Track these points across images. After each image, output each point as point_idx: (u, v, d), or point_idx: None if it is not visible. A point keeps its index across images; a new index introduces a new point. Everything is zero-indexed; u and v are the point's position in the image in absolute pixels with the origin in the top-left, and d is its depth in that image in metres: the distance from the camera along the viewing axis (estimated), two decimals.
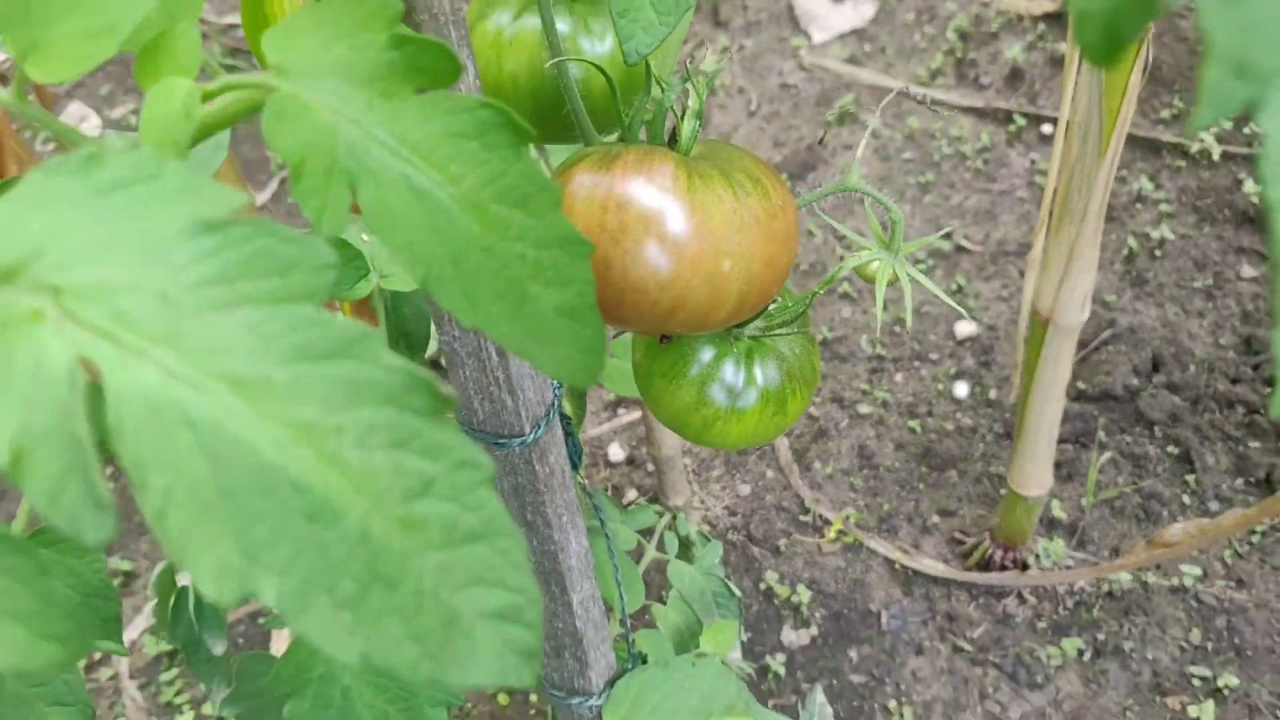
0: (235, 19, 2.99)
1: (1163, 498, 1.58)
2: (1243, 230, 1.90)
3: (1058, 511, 1.58)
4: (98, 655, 1.67)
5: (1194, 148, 2.02)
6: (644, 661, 0.80)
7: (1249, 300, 1.80)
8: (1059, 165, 1.11)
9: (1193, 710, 1.38)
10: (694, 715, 0.75)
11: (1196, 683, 1.41)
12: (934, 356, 1.83)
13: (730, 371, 0.66)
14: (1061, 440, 1.64)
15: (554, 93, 0.66)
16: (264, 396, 0.25)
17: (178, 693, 1.60)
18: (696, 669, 0.77)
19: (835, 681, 1.49)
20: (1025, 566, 1.52)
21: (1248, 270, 1.84)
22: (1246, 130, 2.04)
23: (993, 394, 1.76)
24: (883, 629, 1.53)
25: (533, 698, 1.52)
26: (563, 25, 0.66)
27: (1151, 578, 1.50)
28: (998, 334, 1.84)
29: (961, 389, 1.78)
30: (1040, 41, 2.26)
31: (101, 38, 0.33)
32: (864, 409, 1.78)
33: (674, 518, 1.18)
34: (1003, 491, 1.61)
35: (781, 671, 1.51)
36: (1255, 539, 1.52)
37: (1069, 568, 1.52)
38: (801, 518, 1.67)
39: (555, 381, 0.62)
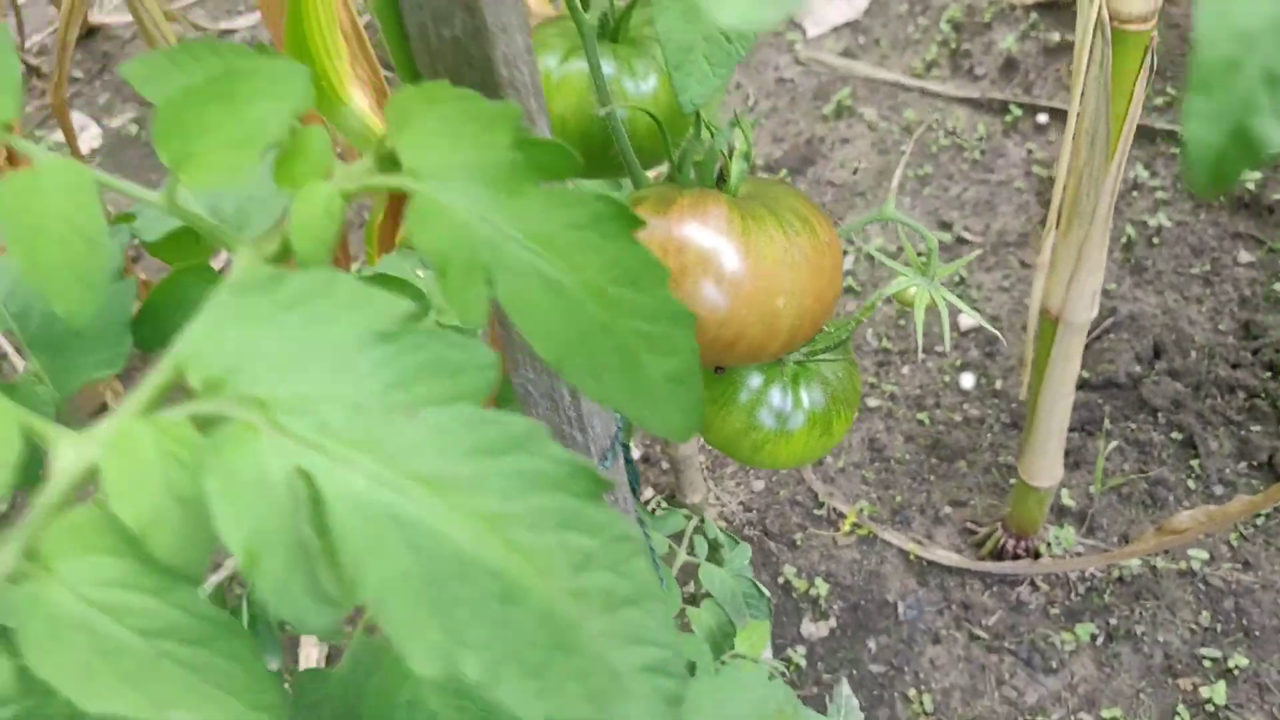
0: (231, 24, 3.00)
1: (1168, 483, 1.62)
2: (1238, 216, 1.94)
3: (1067, 500, 1.61)
4: None
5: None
6: (691, 671, 0.84)
7: (1246, 286, 1.83)
8: (1067, 169, 1.15)
9: (1205, 691, 1.42)
10: (746, 718, 0.78)
11: (1207, 664, 1.45)
12: (939, 349, 1.87)
13: (778, 396, 0.69)
14: (1068, 429, 1.68)
15: (601, 132, 0.69)
16: (453, 492, 0.28)
17: None
18: (745, 676, 0.80)
19: (855, 671, 1.52)
20: (1037, 555, 1.55)
21: (1244, 256, 1.88)
22: None
23: (998, 384, 1.79)
24: (900, 619, 1.56)
25: None
26: (607, 68, 0.69)
27: (1160, 562, 1.54)
28: (1001, 325, 1.88)
29: (967, 380, 1.81)
30: (1033, 31, 2.29)
31: (245, 148, 0.36)
32: (873, 402, 1.81)
33: (700, 520, 1.22)
34: (1013, 481, 1.65)
35: (803, 663, 1.54)
36: (1259, 522, 1.56)
37: (1079, 555, 1.56)
38: (816, 512, 1.70)
39: (619, 417, 0.65)
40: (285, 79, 0.37)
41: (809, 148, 2.24)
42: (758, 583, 1.20)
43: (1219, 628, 1.48)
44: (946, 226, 2.04)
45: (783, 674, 1.52)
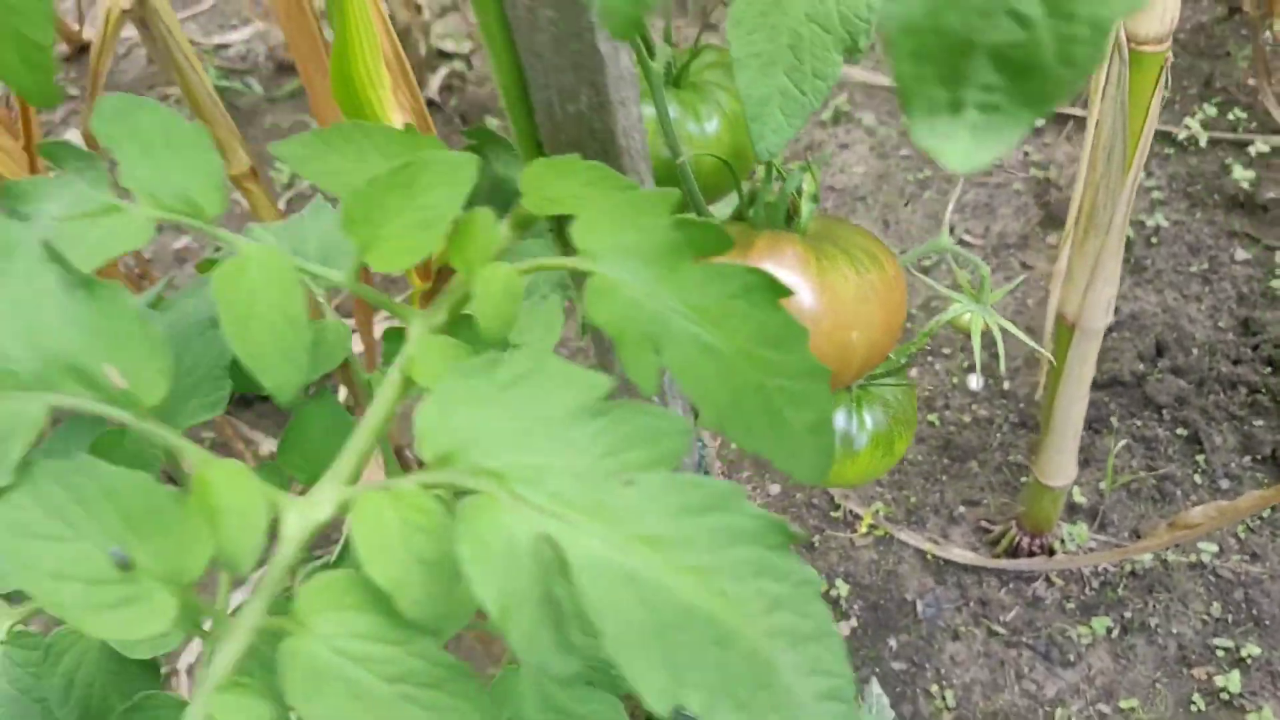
0: (225, 39, 3.02)
1: (1175, 479, 1.67)
2: (1233, 215, 1.99)
3: (1078, 497, 1.66)
4: None
5: (1181, 135, 2.11)
6: None
7: (1243, 283, 1.89)
8: (1084, 181, 1.19)
9: (1219, 680, 1.47)
10: None
11: (1220, 654, 1.50)
12: (946, 351, 1.91)
13: (843, 419, 0.73)
14: None
15: (666, 172, 0.73)
16: (669, 549, 0.32)
17: None
18: None
19: (878, 669, 1.57)
20: (1052, 551, 1.60)
21: (1240, 254, 1.93)
22: (1231, 116, 2.12)
23: (1006, 385, 1.84)
24: (919, 617, 1.61)
25: None
26: (673, 112, 0.73)
27: (1171, 556, 1.59)
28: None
29: (975, 381, 1.86)
30: None
31: (425, 231, 0.40)
32: None
33: None
34: (1024, 480, 1.69)
35: None
36: (1266, 514, 1.61)
37: (1093, 550, 1.60)
38: (832, 514, 1.75)
39: (701, 441, 0.69)
40: (458, 168, 0.41)
41: (809, 154, 2.28)
42: None
43: (1230, 618, 1.53)
44: (948, 230, 2.09)
45: None
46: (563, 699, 0.68)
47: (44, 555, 0.32)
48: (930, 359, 1.91)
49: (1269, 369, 1.76)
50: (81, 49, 3.10)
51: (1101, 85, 1.12)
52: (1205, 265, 1.92)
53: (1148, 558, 1.59)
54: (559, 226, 0.52)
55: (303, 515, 0.36)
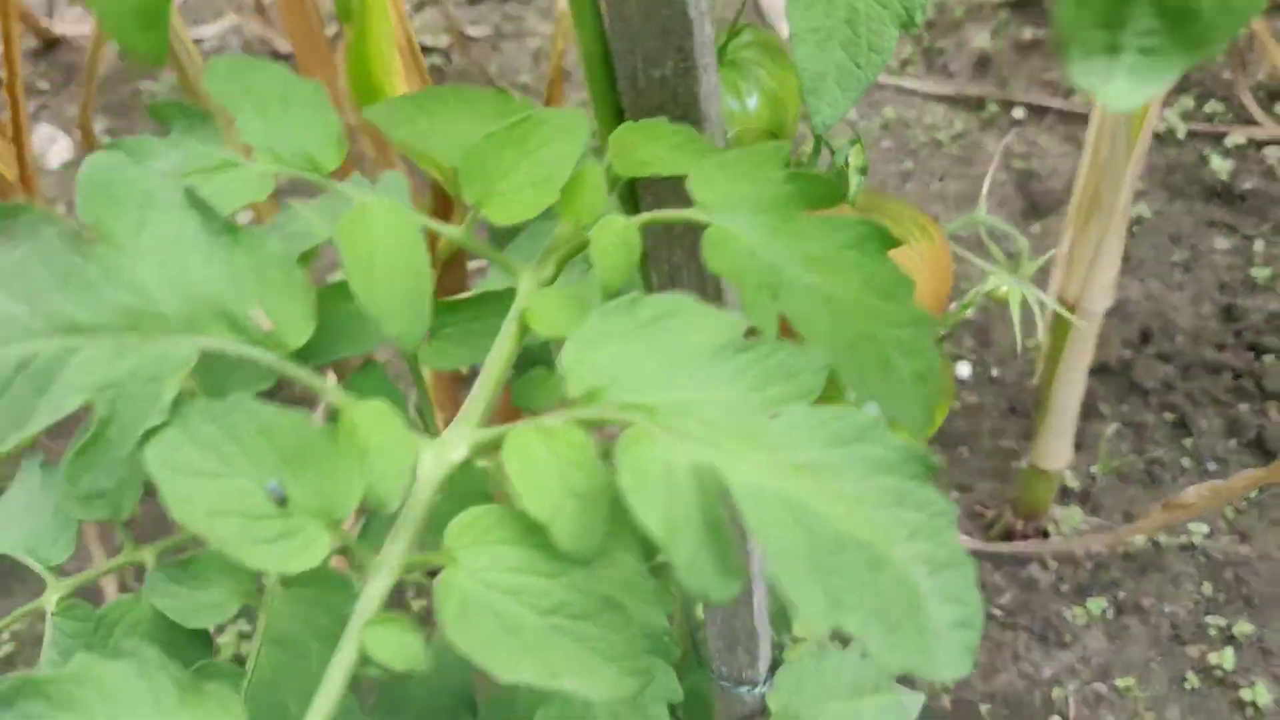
0: (199, 33, 3.01)
1: (1164, 462, 1.70)
2: (1212, 205, 2.02)
3: (1070, 481, 1.69)
4: None
5: (1161, 127, 2.14)
6: (780, 654, 0.89)
7: (1224, 271, 1.92)
8: (1088, 167, 1.21)
9: (1213, 657, 1.49)
10: (847, 696, 0.84)
11: (1213, 632, 1.53)
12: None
13: None
14: None
15: None
16: (821, 477, 0.33)
17: None
18: (843, 655, 0.86)
19: None
20: (1045, 534, 1.63)
21: (1220, 243, 1.96)
22: (1208, 109, 2.16)
23: (995, 372, 1.86)
24: None
25: None
26: None
27: (1163, 538, 1.62)
28: (992, 314, 1.95)
29: (964, 369, 1.88)
30: (1005, 28, 2.37)
31: (542, 186, 0.41)
32: None
33: None
34: (1015, 465, 1.72)
35: None
36: (1253, 496, 1.65)
37: (1087, 533, 1.63)
38: None
39: None
40: (571, 126, 0.42)
41: (791, 147, 2.29)
42: None
43: (1221, 598, 1.56)
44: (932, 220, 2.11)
45: None
46: None
47: (201, 492, 0.33)
48: None
49: (1251, 354, 1.79)
50: (50, 44, 3.07)
51: None
52: (1187, 254, 1.96)
53: (1140, 540, 1.62)
54: (631, 191, 0.53)
55: (439, 456, 0.37)
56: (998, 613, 1.59)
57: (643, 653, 0.34)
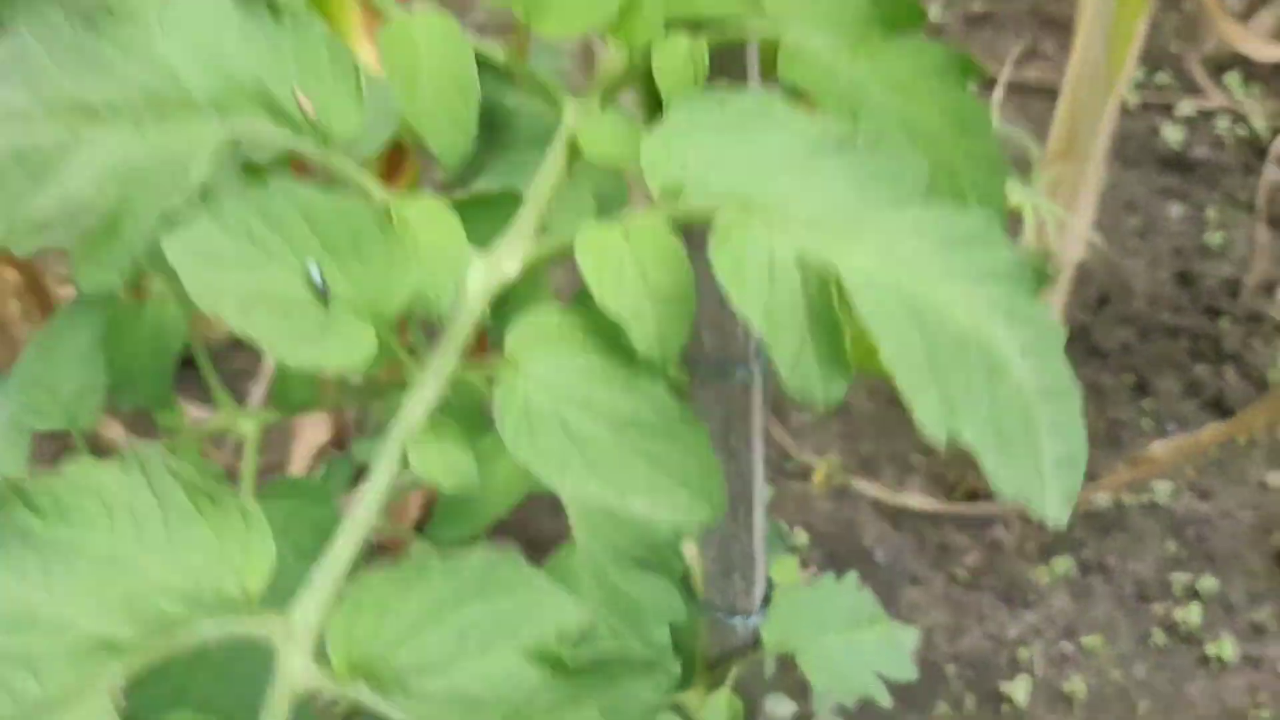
0: None
1: (1124, 423, 1.69)
2: (1165, 174, 2.03)
3: None
4: None
5: None
6: (771, 587, 0.86)
7: (1179, 238, 1.92)
8: (1064, 113, 1.20)
9: (1178, 614, 1.49)
10: (842, 626, 0.81)
11: (1177, 590, 1.52)
12: None
13: None
14: None
15: None
16: (936, 277, 0.30)
17: None
18: (839, 586, 0.83)
19: None
20: None
21: (1174, 210, 1.97)
22: (1158, 80, 2.17)
23: None
24: (878, 564, 1.61)
25: None
26: None
27: (1126, 497, 1.61)
28: None
29: None
30: (955, 1, 2.36)
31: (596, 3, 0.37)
32: None
33: None
34: None
35: None
36: (1214, 454, 1.65)
37: None
38: (787, 465, 1.74)
39: None
40: None
41: None
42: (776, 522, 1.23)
43: (1185, 555, 1.55)
44: None
45: None
46: (617, 578, 0.65)
47: (234, 282, 0.29)
48: None
49: (1208, 317, 1.79)
50: None
51: (1086, 11, 1.13)
52: (1142, 221, 1.96)
53: (1104, 500, 1.61)
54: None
55: (489, 269, 0.33)
56: (961, 574, 1.58)
57: (718, 480, 0.31)
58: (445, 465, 0.30)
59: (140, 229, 0.30)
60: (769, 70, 0.41)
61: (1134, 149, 2.07)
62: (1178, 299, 1.83)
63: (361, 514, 0.31)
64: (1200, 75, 2.14)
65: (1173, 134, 2.06)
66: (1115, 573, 1.55)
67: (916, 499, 1.65)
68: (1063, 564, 1.56)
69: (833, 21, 0.37)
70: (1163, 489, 1.61)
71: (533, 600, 0.28)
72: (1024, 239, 1.37)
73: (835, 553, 1.63)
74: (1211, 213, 1.95)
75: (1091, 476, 1.63)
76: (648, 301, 0.30)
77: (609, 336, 0.31)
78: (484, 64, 0.39)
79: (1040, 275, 0.32)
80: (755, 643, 0.84)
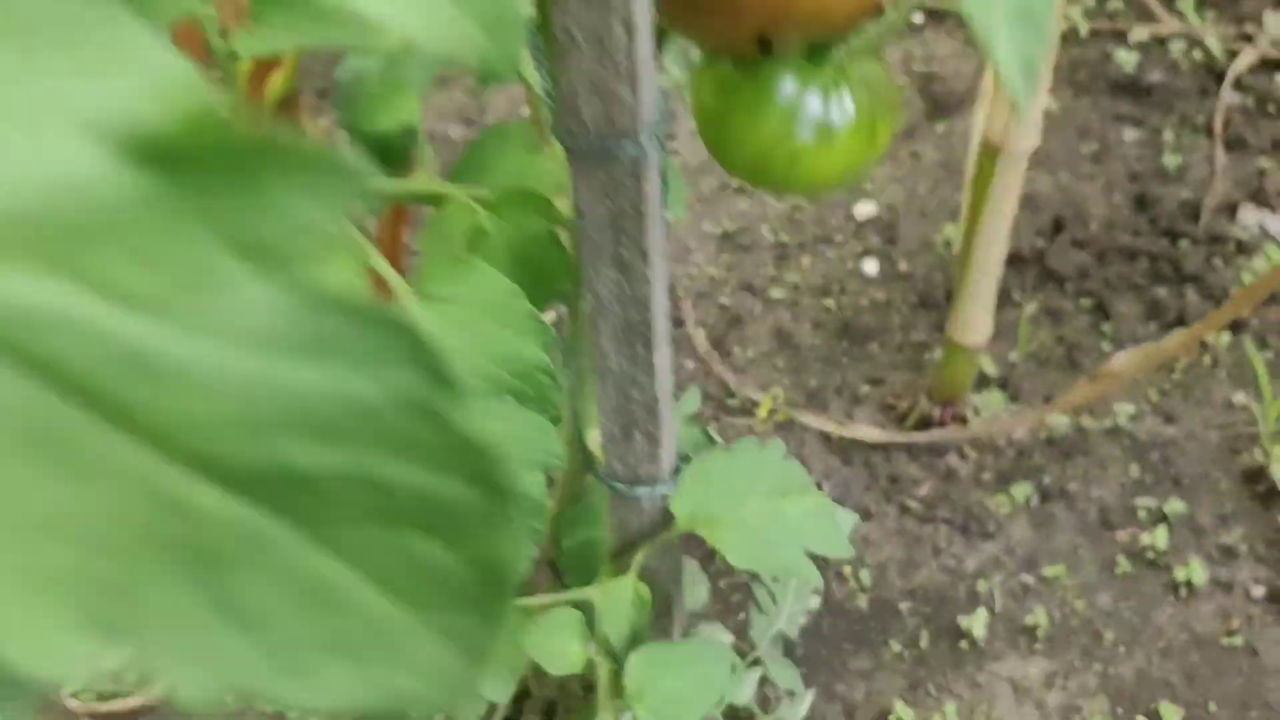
0: None
1: (1084, 347, 1.61)
2: (1119, 99, 1.95)
3: (988, 367, 1.59)
4: None
5: (1063, 27, 2.06)
6: (686, 460, 0.75)
7: (1135, 162, 1.84)
8: None
9: (1145, 538, 1.40)
10: (765, 496, 0.70)
11: (1143, 514, 1.43)
12: (838, 239, 1.83)
13: (817, 98, 0.61)
14: None
15: None
16: None
17: None
18: (764, 452, 0.72)
19: None
20: (964, 421, 1.52)
21: (1129, 134, 1.89)
22: (1109, 7, 2.09)
23: (903, 267, 1.76)
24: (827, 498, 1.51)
25: None
26: None
27: (1087, 421, 1.52)
28: (898, 212, 1.84)
29: (871, 266, 1.77)
30: None
31: None
32: (775, 293, 1.76)
33: None
34: (928, 357, 1.61)
35: None
36: (1176, 376, 1.56)
37: (1008, 415, 1.53)
38: (729, 401, 1.64)
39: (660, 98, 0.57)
40: None
41: None
42: (708, 432, 1.13)
43: (1149, 479, 1.47)
44: None
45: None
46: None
47: None
48: (822, 246, 1.82)
49: (1167, 239, 1.71)
50: None
51: None
52: (1096, 146, 1.87)
53: (1064, 424, 1.52)
54: None
55: None
56: (915, 506, 1.48)
57: None
58: None
59: None
60: None
61: (1085, 76, 1.99)
62: (1135, 223, 1.74)
63: None
64: (1153, 1, 2.06)
65: (1126, 59, 1.98)
66: (1077, 499, 1.46)
67: (865, 430, 1.55)
68: (1022, 492, 1.47)
69: None
70: (1124, 411, 1.53)
71: (117, 57, 0.17)
72: (975, 134, 1.27)
73: None
74: (1168, 136, 1.87)
75: (1050, 399, 1.54)
76: None
77: None
78: None
79: None
80: (665, 520, 0.73)
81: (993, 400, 1.54)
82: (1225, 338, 1.59)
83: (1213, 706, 1.28)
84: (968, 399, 1.53)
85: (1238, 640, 1.32)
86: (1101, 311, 1.64)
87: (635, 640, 0.74)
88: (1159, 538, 1.39)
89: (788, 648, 1.37)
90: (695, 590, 1.20)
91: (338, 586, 0.20)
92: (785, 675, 1.22)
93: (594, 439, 0.70)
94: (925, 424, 1.53)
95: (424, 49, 0.53)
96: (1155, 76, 1.95)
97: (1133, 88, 1.95)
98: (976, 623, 1.37)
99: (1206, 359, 1.57)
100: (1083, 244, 1.72)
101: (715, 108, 0.62)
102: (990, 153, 1.22)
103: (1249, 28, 2.02)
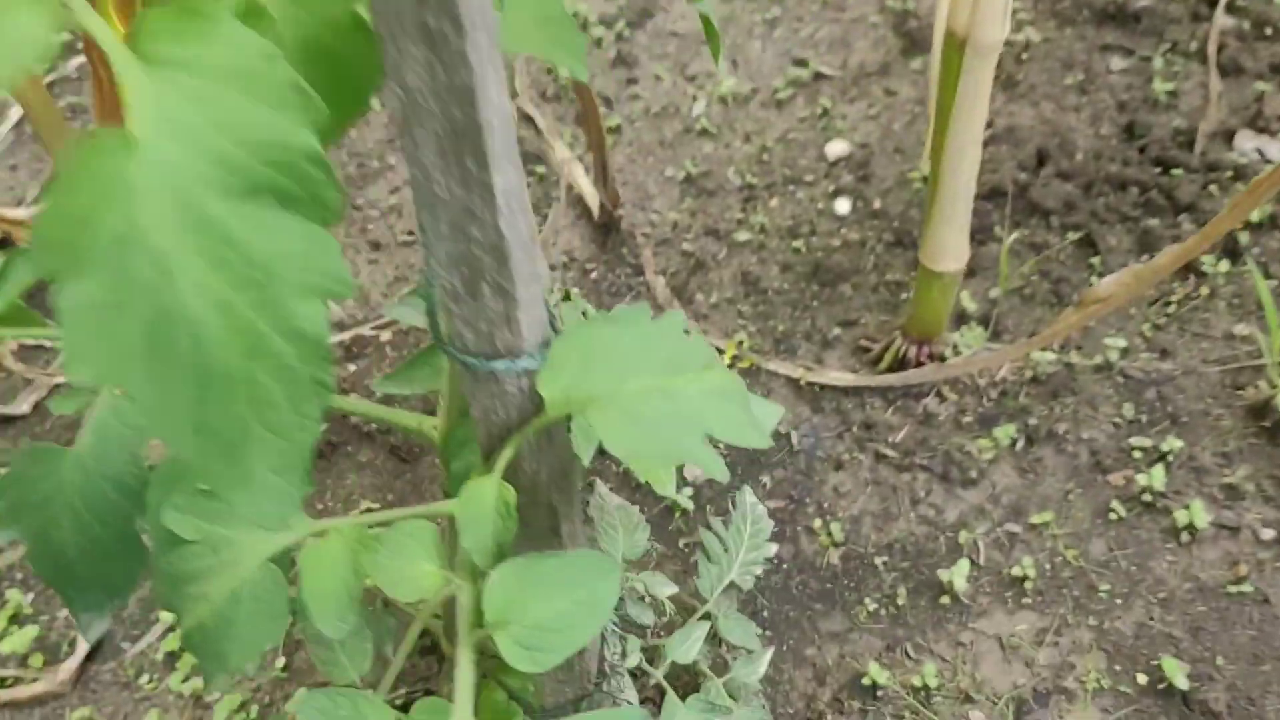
0: None
1: (1070, 281, 1.48)
2: (1105, 29, 1.83)
3: (968, 303, 1.46)
4: None
5: None
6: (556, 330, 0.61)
7: (1123, 91, 1.72)
8: None
9: (1141, 479, 1.28)
10: (657, 372, 0.57)
11: (1138, 454, 1.31)
12: (809, 179, 1.70)
13: None
14: None
15: None
16: None
17: None
18: (657, 324, 0.59)
19: None
20: (943, 359, 1.40)
21: (1117, 63, 1.76)
22: None
23: (877, 204, 1.64)
24: (795, 449, 1.39)
25: None
26: None
27: (1075, 357, 1.40)
28: (872, 150, 1.72)
29: (843, 205, 1.65)
30: None
31: None
32: (741, 236, 1.63)
33: None
34: (902, 297, 1.49)
35: (690, 507, 1.35)
36: (1171, 309, 1.44)
37: (988, 352, 1.40)
38: None
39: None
40: None
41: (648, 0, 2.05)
42: None
43: (1145, 418, 1.34)
44: (802, 64, 1.88)
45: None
46: (227, 223, 0.41)
47: None
48: (792, 187, 1.69)
49: (1158, 169, 1.59)
50: None
51: None
52: (1081, 77, 1.75)
53: (1050, 361, 1.40)
54: None
55: None
56: (891, 453, 1.36)
57: None
58: None
59: None
60: None
61: (1069, 6, 1.86)
62: (1124, 153, 1.62)
63: None
64: None
65: None
66: (1066, 442, 1.34)
67: (837, 374, 1.43)
68: (1006, 434, 1.34)
69: None
70: (1115, 346, 1.40)
71: None
72: (939, 22, 1.15)
73: None
74: (1159, 64, 1.74)
75: (1034, 335, 1.42)
76: None
77: None
78: None
79: None
80: (536, 405, 0.60)
81: (973, 337, 1.41)
82: (1224, 265, 1.46)
83: (1220, 660, 1.16)
84: (946, 336, 1.40)
85: (1246, 587, 1.20)
86: (1089, 244, 1.52)
87: (502, 557, 0.62)
88: (1156, 479, 1.27)
89: (753, 610, 1.25)
90: (634, 535, 1.07)
91: None
92: (738, 631, 1.09)
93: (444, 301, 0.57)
94: (901, 365, 1.41)
95: None
96: (1143, 2, 1.83)
97: (1120, 15, 1.83)
98: (958, 576, 1.24)
99: (1204, 289, 1.45)
100: (1068, 176, 1.59)
101: None
102: (956, 45, 1.09)
103: None
